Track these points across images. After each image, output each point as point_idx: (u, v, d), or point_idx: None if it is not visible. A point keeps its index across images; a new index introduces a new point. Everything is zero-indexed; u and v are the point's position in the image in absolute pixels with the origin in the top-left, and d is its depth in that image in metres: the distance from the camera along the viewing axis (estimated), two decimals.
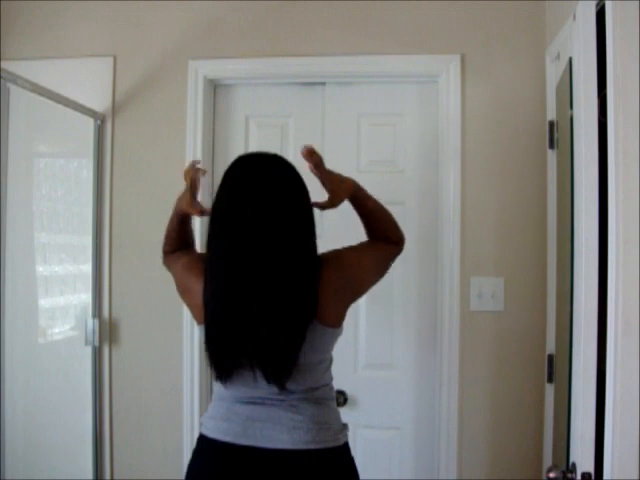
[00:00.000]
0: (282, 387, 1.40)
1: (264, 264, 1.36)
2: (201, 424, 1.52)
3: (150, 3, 2.40)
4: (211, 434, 1.46)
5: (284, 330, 1.37)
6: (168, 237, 1.70)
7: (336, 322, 1.47)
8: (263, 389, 1.43)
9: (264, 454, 1.41)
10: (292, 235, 1.39)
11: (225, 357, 1.40)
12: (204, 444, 1.47)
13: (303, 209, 1.43)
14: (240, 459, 1.41)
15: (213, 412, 1.50)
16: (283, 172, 1.44)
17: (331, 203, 1.55)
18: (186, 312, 2.30)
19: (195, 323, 1.53)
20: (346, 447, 1.49)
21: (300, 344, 1.38)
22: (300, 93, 2.42)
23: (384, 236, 1.60)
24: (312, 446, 1.41)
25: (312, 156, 1.50)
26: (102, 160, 2.41)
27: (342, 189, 1.55)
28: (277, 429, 1.42)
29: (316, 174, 1.53)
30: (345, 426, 1.52)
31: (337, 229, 2.06)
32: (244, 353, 1.39)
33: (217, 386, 1.52)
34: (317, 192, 1.54)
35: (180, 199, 1.63)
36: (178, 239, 1.68)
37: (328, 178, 1.54)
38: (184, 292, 1.54)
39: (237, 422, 1.44)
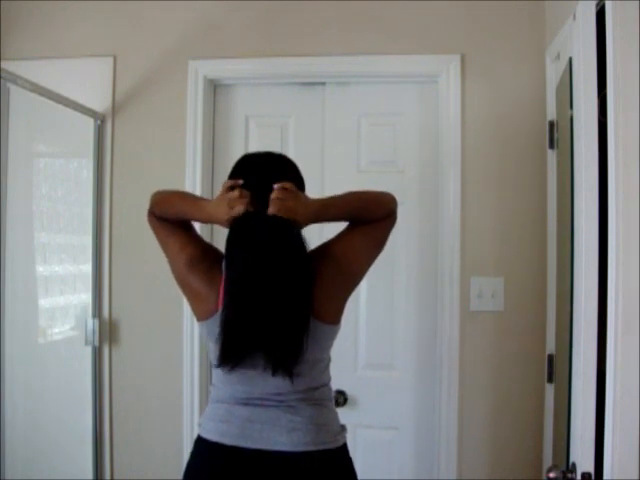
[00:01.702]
0: (290, 373, 1.38)
1: (267, 262, 1.38)
2: (199, 425, 1.52)
3: (150, 3, 2.41)
4: (209, 436, 1.45)
5: (287, 317, 1.38)
6: (168, 208, 1.53)
7: (335, 318, 1.48)
8: (263, 387, 1.43)
9: (263, 456, 1.40)
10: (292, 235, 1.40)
11: (238, 342, 1.39)
12: (202, 446, 1.46)
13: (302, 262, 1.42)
14: (239, 461, 1.41)
15: (211, 414, 1.49)
16: (286, 172, 1.46)
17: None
18: (186, 312, 2.30)
19: (195, 320, 1.53)
20: (345, 448, 1.49)
21: (303, 328, 1.38)
22: (300, 93, 2.42)
23: (372, 221, 1.52)
24: (311, 448, 1.41)
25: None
26: (102, 160, 2.41)
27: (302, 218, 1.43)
28: (276, 431, 1.41)
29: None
30: (344, 427, 1.52)
31: None
32: (255, 339, 1.39)
33: (215, 388, 1.52)
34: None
35: (216, 208, 1.43)
36: (180, 220, 1.53)
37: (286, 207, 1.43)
38: (189, 292, 1.52)
39: (236, 424, 1.43)
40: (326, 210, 1.47)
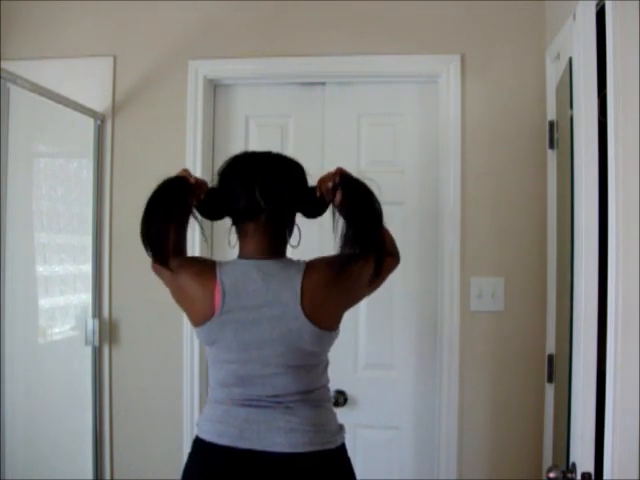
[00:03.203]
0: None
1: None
2: (197, 426, 1.52)
3: (150, 3, 2.41)
4: (207, 436, 1.45)
5: None
6: None
7: (332, 325, 1.48)
8: (261, 389, 1.43)
9: (261, 457, 1.40)
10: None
11: None
12: (200, 446, 1.47)
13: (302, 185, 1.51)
14: (237, 462, 1.41)
15: (209, 414, 1.50)
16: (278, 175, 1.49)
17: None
18: None
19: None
20: (343, 448, 1.49)
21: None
22: (300, 93, 2.42)
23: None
24: (309, 449, 1.41)
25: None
26: (102, 160, 2.41)
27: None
28: (274, 432, 1.41)
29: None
30: (342, 427, 1.52)
31: None
32: None
33: (212, 390, 1.52)
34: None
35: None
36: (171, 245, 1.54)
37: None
38: (184, 299, 1.51)
39: (234, 425, 1.43)
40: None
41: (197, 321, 1.48)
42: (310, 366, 1.47)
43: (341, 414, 1.55)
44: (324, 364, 1.52)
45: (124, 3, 2.41)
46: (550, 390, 2.15)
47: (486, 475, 2.24)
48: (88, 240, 2.40)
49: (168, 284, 1.54)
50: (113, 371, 2.40)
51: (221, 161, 2.37)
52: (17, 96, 2.31)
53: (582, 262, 1.37)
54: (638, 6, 1.29)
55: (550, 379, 2.16)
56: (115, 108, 2.42)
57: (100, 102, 2.39)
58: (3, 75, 1.87)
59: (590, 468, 1.33)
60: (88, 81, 2.41)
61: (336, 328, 1.49)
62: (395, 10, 2.30)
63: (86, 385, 2.39)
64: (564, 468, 1.43)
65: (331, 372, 1.57)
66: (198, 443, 1.47)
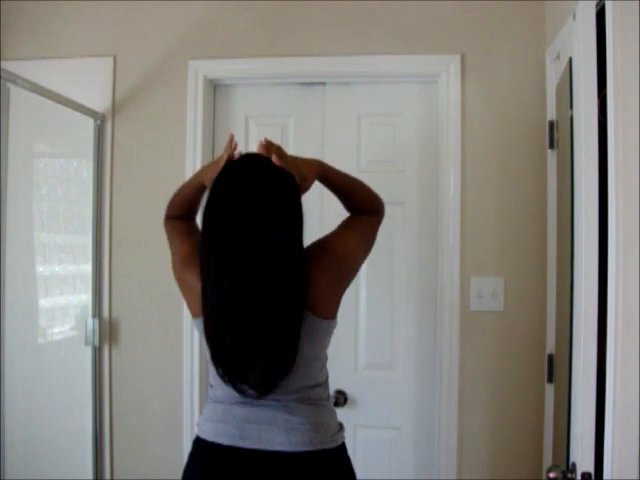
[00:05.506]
0: (272, 386, 1.38)
1: (254, 263, 1.34)
2: (197, 426, 1.52)
3: (150, 3, 2.41)
4: (207, 436, 1.45)
5: (276, 323, 1.35)
6: (176, 201, 1.67)
7: (330, 313, 1.47)
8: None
9: (262, 456, 1.40)
10: (283, 236, 1.37)
11: (232, 359, 1.38)
12: (200, 446, 1.47)
13: (294, 210, 1.40)
14: (237, 462, 1.41)
15: (209, 414, 1.50)
16: (275, 176, 1.41)
17: (303, 188, 1.48)
18: (186, 312, 2.30)
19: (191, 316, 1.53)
20: (343, 447, 1.49)
21: (296, 336, 1.36)
22: (300, 93, 2.42)
23: (363, 208, 1.59)
24: (309, 447, 1.41)
25: (270, 148, 1.45)
26: (102, 160, 2.41)
27: (309, 172, 1.50)
28: (274, 431, 1.41)
29: (281, 164, 1.42)
30: (341, 426, 1.52)
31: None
32: (244, 351, 1.37)
33: (212, 389, 1.52)
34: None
35: (206, 169, 1.60)
36: (185, 207, 1.66)
37: (294, 164, 1.48)
38: (186, 290, 1.52)
39: (234, 424, 1.43)
40: (326, 167, 1.56)
41: (195, 312, 1.48)
42: (310, 360, 1.46)
43: (341, 414, 1.55)
44: (323, 360, 1.52)
45: (124, 3, 2.41)
46: (550, 390, 2.15)
47: (486, 475, 2.25)
48: (88, 240, 2.41)
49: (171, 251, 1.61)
50: (113, 371, 2.40)
51: None
52: (17, 96, 2.31)
53: (582, 262, 1.37)
54: (638, 6, 1.29)
55: (550, 379, 2.16)
56: (115, 108, 2.42)
57: (100, 102, 2.39)
58: (3, 75, 1.87)
59: (590, 468, 1.32)
60: (88, 81, 2.41)
61: (335, 317, 1.48)
62: (395, 10, 2.30)
63: (86, 385, 2.39)
64: (564, 468, 1.43)
65: (331, 372, 1.57)
66: (198, 443, 1.47)
